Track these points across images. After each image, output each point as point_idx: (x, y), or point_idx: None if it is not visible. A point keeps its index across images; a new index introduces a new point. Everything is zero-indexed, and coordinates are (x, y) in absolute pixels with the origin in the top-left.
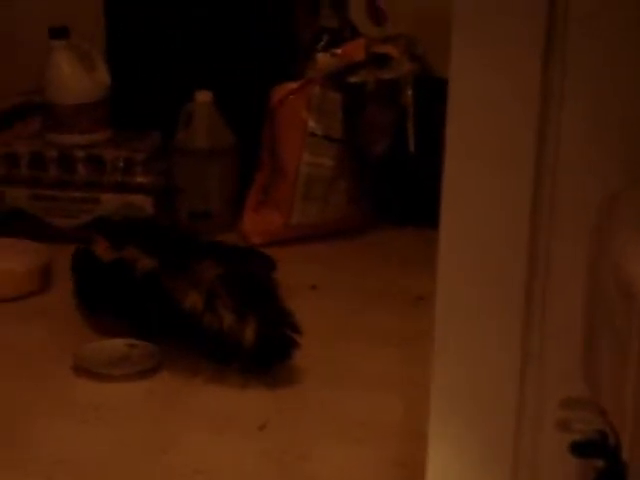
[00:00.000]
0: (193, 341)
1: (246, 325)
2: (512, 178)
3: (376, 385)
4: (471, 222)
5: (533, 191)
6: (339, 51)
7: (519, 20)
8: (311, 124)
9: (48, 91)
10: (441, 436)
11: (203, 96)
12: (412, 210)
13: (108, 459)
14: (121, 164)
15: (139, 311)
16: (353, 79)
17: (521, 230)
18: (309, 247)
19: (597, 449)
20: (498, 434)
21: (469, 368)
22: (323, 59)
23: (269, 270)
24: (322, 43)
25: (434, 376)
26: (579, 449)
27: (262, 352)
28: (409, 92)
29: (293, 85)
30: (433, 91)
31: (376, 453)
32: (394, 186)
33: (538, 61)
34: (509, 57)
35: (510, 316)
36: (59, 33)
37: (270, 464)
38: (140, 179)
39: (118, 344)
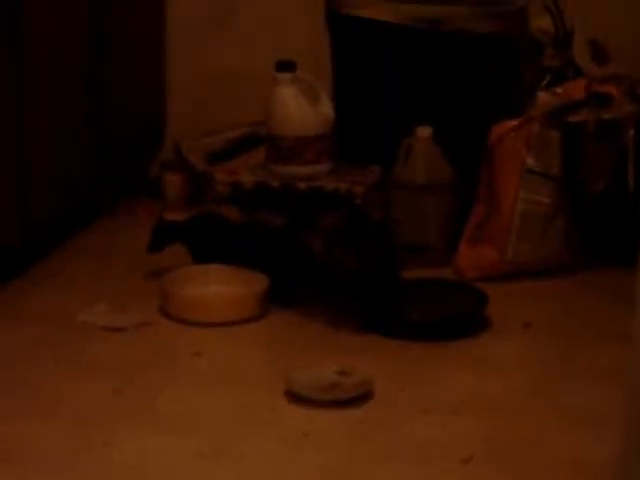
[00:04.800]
0: (316, 281)
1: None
2: None
3: (582, 422)
4: None
5: None
6: (560, 90)
7: None
8: (529, 161)
9: (272, 123)
10: None
11: (423, 131)
12: (630, 249)
13: None
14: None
15: (271, 263)
16: (573, 118)
17: None
18: (523, 284)
19: None
20: None
21: None
22: (544, 98)
23: (482, 306)
24: (544, 82)
25: None
26: None
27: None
28: (630, 132)
29: (513, 122)
30: None
31: None
32: (612, 225)
33: None
34: None
35: None
36: (286, 66)
37: None
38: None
39: (330, 371)
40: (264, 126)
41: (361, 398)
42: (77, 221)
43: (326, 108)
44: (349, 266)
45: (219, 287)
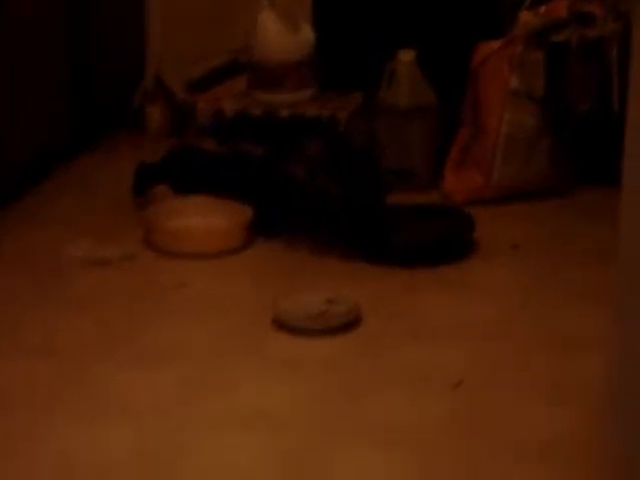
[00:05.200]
0: (300, 209)
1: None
2: None
3: (572, 346)
4: None
5: None
6: (543, 9)
7: None
8: (513, 83)
9: (254, 50)
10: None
11: (406, 55)
12: (614, 170)
13: (304, 411)
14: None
15: (254, 193)
16: (556, 37)
17: None
18: (510, 207)
19: None
20: None
21: None
22: (526, 17)
23: (469, 229)
24: (526, 2)
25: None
26: None
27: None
28: (614, 51)
29: (496, 44)
30: None
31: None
32: (597, 145)
33: None
34: None
35: None
36: None
37: (460, 425)
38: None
39: (317, 300)
40: (246, 53)
41: (349, 325)
42: (59, 157)
43: (307, 33)
44: (333, 193)
45: (203, 219)
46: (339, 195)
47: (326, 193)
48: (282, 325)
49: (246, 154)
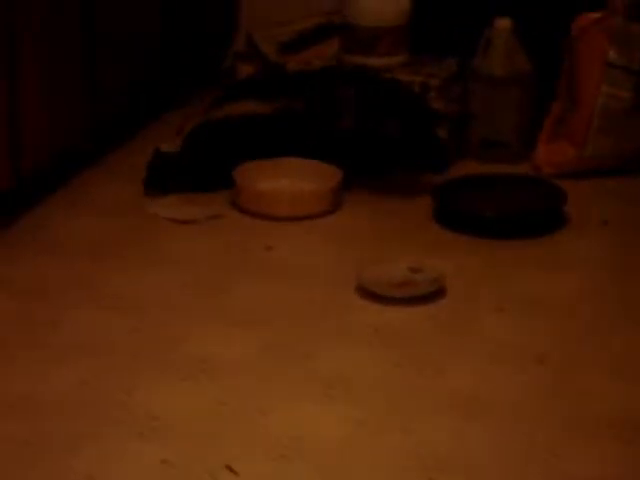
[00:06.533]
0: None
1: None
2: None
3: None
4: None
5: None
6: None
7: None
8: (611, 55)
9: (348, 12)
10: None
11: (503, 23)
12: None
13: (383, 379)
14: (416, 88)
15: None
16: None
17: None
18: (601, 182)
19: None
20: None
21: None
22: None
23: (559, 203)
24: None
25: None
26: None
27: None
28: None
29: (595, 15)
30: None
31: None
32: None
33: None
34: None
35: None
36: None
37: (539, 400)
38: (435, 104)
39: (401, 267)
40: (339, 16)
41: (433, 295)
42: (146, 114)
43: (402, 0)
44: (392, 132)
45: (291, 180)
46: (399, 132)
47: (385, 134)
48: (366, 292)
49: (291, 111)
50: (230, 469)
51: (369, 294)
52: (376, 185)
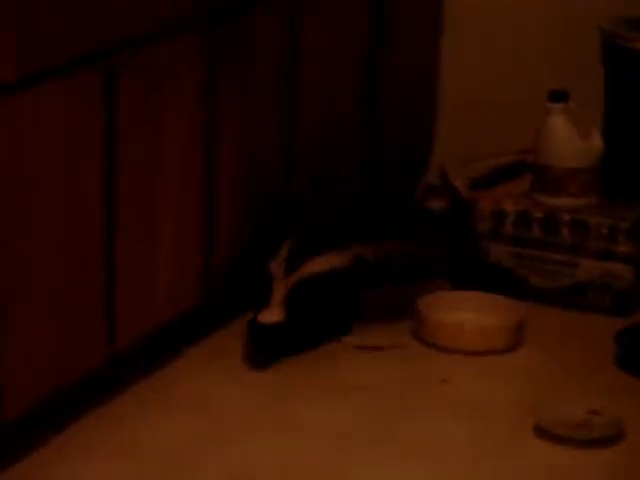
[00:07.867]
0: None
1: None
2: None
3: None
4: None
5: None
6: None
7: None
8: None
9: (541, 152)
10: None
11: None
12: None
13: None
14: (605, 231)
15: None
16: None
17: None
18: None
19: None
20: None
21: None
22: None
23: None
24: None
25: None
26: None
27: None
28: None
29: None
30: None
31: None
32: None
33: None
34: None
35: None
36: (559, 96)
37: None
38: (623, 248)
39: (579, 409)
40: (531, 154)
41: (611, 439)
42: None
43: (596, 140)
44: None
45: (474, 314)
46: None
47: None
48: (543, 432)
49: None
50: None
51: (545, 433)
52: (557, 322)
